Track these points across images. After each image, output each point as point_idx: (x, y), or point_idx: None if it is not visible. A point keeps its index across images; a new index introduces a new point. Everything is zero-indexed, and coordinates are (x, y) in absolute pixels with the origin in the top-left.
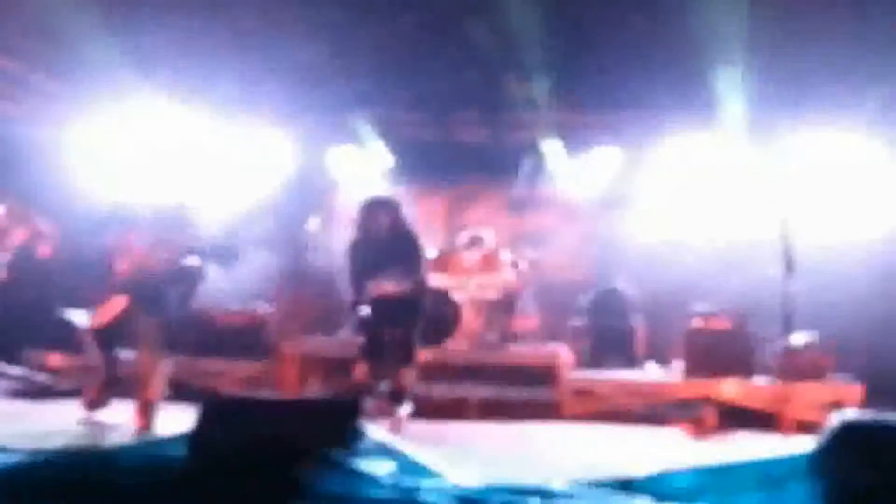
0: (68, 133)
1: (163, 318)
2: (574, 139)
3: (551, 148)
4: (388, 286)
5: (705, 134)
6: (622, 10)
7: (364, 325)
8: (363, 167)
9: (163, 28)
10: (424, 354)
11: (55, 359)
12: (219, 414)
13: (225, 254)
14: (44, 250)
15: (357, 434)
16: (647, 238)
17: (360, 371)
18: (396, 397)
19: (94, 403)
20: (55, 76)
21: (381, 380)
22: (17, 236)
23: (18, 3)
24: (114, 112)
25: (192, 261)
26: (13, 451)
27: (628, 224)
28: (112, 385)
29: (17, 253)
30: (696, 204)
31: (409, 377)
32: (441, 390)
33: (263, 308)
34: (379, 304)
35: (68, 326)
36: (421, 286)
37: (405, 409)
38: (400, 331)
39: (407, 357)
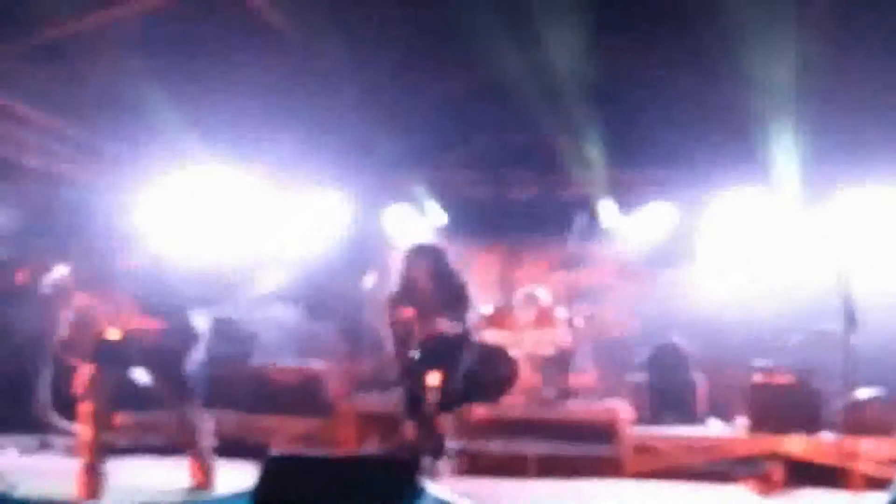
0: (133, 197)
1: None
2: (626, 196)
3: (604, 205)
4: (433, 327)
5: (761, 189)
6: (674, 67)
7: (406, 373)
8: (417, 226)
9: (222, 94)
10: (481, 411)
11: (115, 417)
12: (280, 471)
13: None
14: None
15: (417, 491)
16: (705, 294)
17: (408, 429)
18: (434, 449)
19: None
20: (121, 142)
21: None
22: (81, 298)
23: (87, 72)
24: (177, 177)
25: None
26: None
27: (684, 280)
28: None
29: (80, 315)
30: (754, 259)
31: (447, 424)
32: (498, 447)
33: (319, 365)
34: (422, 347)
35: (129, 384)
36: (465, 329)
37: (443, 462)
38: (440, 374)
39: (447, 403)
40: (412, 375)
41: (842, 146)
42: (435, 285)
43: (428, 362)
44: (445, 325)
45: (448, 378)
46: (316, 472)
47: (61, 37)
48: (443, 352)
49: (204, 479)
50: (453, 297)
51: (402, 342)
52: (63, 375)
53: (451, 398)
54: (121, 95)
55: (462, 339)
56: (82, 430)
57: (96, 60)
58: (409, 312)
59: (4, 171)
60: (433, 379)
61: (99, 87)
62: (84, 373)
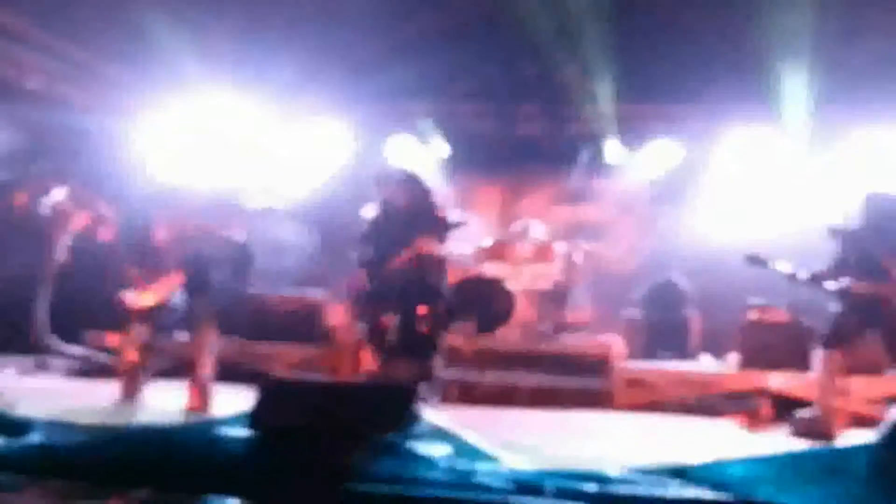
0: (133, 121)
1: (212, 298)
2: (632, 132)
3: (609, 140)
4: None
5: (765, 127)
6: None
7: (365, 309)
8: (420, 156)
9: (224, 19)
10: (477, 342)
11: (114, 339)
12: (277, 394)
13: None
14: (104, 234)
15: (413, 418)
16: (704, 231)
17: (366, 358)
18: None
19: (130, 391)
20: (122, 65)
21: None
22: (79, 220)
23: None
24: (177, 102)
25: (240, 239)
26: (75, 428)
27: (684, 217)
28: (146, 370)
29: (78, 237)
30: (754, 197)
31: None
32: (491, 377)
33: (318, 294)
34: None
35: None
36: (441, 255)
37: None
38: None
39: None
40: (379, 306)
41: (854, 87)
42: (411, 212)
43: (407, 293)
44: (425, 244)
45: (430, 307)
46: (312, 396)
47: None
48: (419, 281)
49: (200, 403)
50: (431, 222)
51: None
52: (63, 297)
53: (433, 327)
54: (122, 16)
55: (439, 264)
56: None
57: None
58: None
59: (3, 91)
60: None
61: (100, 6)
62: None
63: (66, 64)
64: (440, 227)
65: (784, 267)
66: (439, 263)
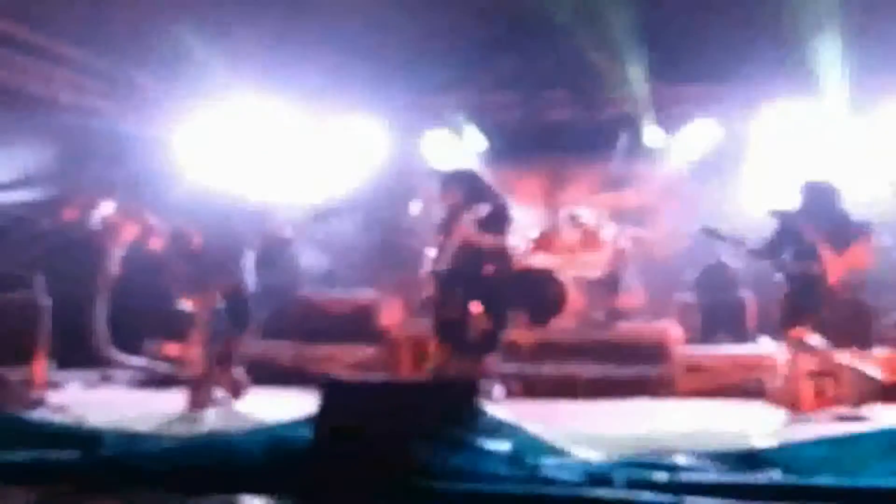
0: (171, 130)
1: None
2: (670, 113)
3: (647, 123)
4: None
5: (804, 101)
6: None
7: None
8: (457, 151)
9: (252, 23)
10: (531, 334)
11: (173, 348)
12: (340, 397)
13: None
14: (155, 244)
15: (477, 413)
16: (749, 209)
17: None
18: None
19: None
20: (157, 75)
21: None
22: (130, 232)
23: (122, 7)
24: (212, 107)
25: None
26: (141, 437)
27: (730, 196)
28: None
29: (130, 248)
30: (800, 172)
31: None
32: (548, 370)
33: (369, 294)
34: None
35: (182, 316)
36: (504, 250)
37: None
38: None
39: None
40: (449, 301)
41: (889, 56)
42: (473, 209)
43: (470, 290)
44: (488, 240)
45: (490, 305)
46: (375, 396)
47: None
48: (483, 277)
49: (238, 391)
50: (493, 216)
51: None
52: (120, 308)
53: (496, 323)
54: (150, 27)
55: (503, 260)
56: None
57: None
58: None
59: (39, 106)
60: (475, 307)
61: (128, 19)
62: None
63: (101, 78)
64: (500, 220)
65: (732, 239)
66: (502, 258)
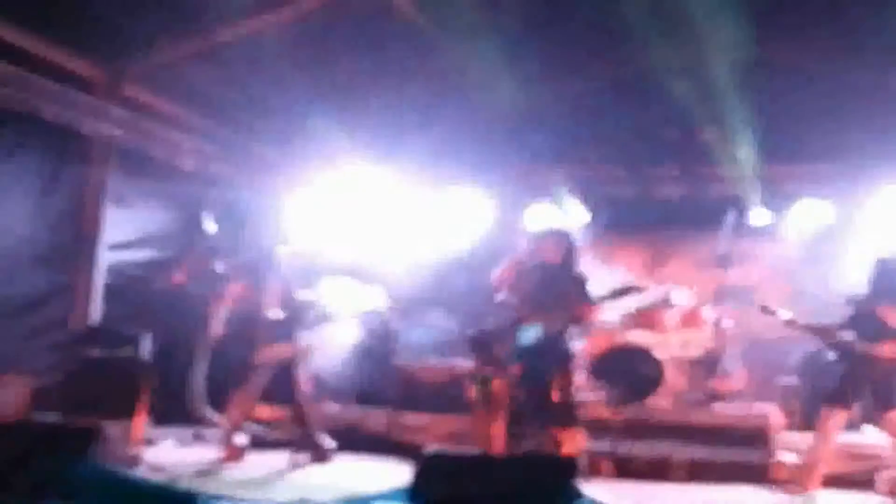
0: (281, 197)
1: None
2: (778, 192)
3: (754, 201)
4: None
5: None
6: (826, 58)
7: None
8: (560, 223)
9: (367, 95)
10: (626, 412)
11: (264, 411)
12: (436, 469)
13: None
14: (257, 308)
15: (573, 492)
16: (857, 293)
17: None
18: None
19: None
20: (271, 144)
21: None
22: (235, 294)
23: (240, 76)
24: (323, 177)
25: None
26: (231, 500)
27: (838, 278)
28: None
29: (234, 310)
30: None
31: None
32: (643, 450)
33: (464, 364)
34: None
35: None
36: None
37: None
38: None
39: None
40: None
41: None
42: (562, 270)
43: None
44: (588, 311)
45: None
46: (472, 470)
47: (218, 42)
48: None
49: (325, 458)
50: (578, 284)
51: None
52: (219, 369)
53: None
54: (271, 98)
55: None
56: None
57: (250, 65)
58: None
59: (163, 173)
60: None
61: (251, 90)
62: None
63: (218, 145)
64: (584, 292)
65: (786, 314)
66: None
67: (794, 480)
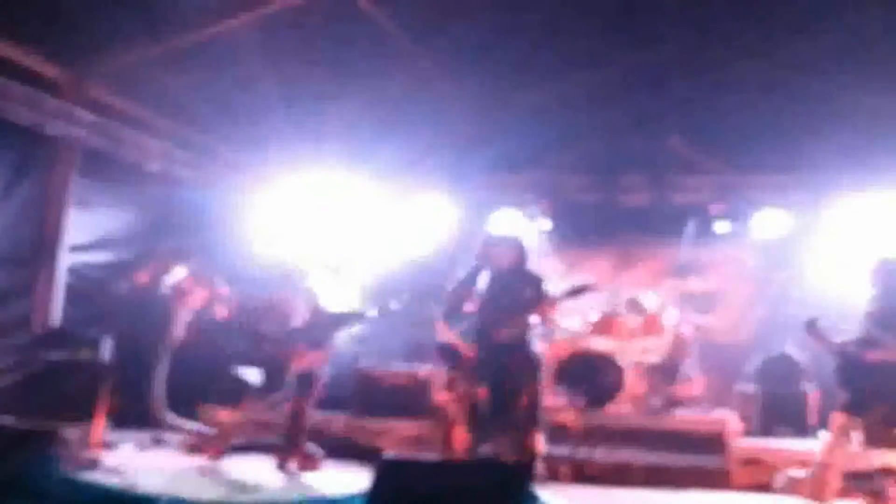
0: (247, 200)
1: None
2: (739, 201)
3: (717, 210)
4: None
5: (877, 193)
6: (792, 68)
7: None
8: (523, 229)
9: (335, 99)
10: (586, 418)
11: (224, 414)
12: (394, 474)
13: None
14: (221, 312)
15: (530, 497)
16: (816, 301)
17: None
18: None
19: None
20: (237, 146)
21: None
22: (198, 298)
23: (207, 79)
24: (289, 180)
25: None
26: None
27: (797, 287)
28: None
29: (197, 314)
30: (867, 264)
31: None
32: (603, 455)
33: (425, 369)
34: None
35: (240, 384)
36: (528, 336)
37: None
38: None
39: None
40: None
41: None
42: (516, 277)
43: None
44: (513, 331)
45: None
46: (430, 475)
47: (184, 45)
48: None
49: (314, 466)
50: (532, 287)
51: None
52: (180, 372)
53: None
54: (239, 101)
55: (527, 348)
56: None
57: (216, 68)
58: (470, 308)
59: (129, 174)
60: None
61: (218, 93)
62: None
63: (184, 147)
64: (543, 292)
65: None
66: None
67: (804, 493)
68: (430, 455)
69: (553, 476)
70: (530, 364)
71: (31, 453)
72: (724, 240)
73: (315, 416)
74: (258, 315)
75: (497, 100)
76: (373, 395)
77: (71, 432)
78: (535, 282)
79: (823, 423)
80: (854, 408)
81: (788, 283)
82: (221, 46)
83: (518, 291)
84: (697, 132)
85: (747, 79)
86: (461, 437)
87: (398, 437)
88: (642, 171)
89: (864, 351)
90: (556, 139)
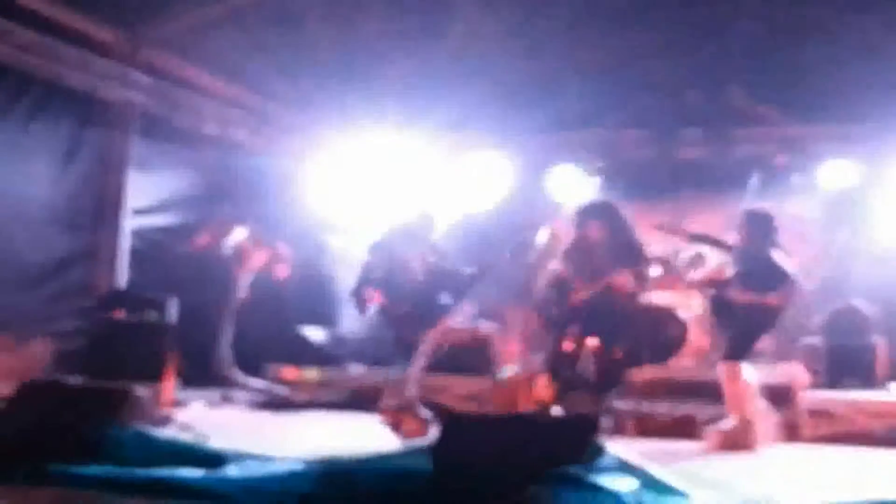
0: (304, 163)
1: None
2: (803, 153)
3: (780, 162)
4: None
5: None
6: (855, 19)
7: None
8: (581, 186)
9: (386, 60)
10: (650, 372)
11: (290, 372)
12: (460, 430)
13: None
14: (281, 272)
15: (597, 451)
16: (884, 253)
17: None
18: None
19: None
20: (293, 109)
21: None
22: (258, 259)
23: (263, 41)
24: (345, 141)
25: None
26: (261, 459)
27: (863, 240)
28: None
29: (257, 275)
30: None
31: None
32: (667, 409)
33: (489, 327)
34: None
35: (303, 342)
36: (638, 289)
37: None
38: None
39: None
40: (564, 338)
41: None
42: (610, 244)
43: (591, 324)
44: (622, 280)
45: (608, 342)
46: (495, 431)
47: (239, 6)
48: (606, 313)
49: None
50: (630, 254)
51: (558, 302)
52: (244, 332)
53: (613, 363)
54: (294, 63)
55: (630, 300)
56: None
57: (272, 29)
58: (565, 273)
59: (185, 138)
60: (592, 342)
61: (273, 55)
62: None
63: (244, 111)
64: (639, 261)
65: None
66: (631, 297)
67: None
68: (496, 411)
69: (619, 430)
70: (618, 325)
71: (104, 411)
72: (788, 193)
73: (373, 374)
74: None
75: (552, 57)
76: (435, 352)
77: (142, 391)
78: (633, 247)
79: (893, 375)
80: None
81: (855, 236)
82: (277, 7)
83: (615, 259)
84: (758, 83)
85: (808, 25)
86: (542, 392)
87: (459, 394)
88: (701, 124)
89: None
90: (612, 95)
